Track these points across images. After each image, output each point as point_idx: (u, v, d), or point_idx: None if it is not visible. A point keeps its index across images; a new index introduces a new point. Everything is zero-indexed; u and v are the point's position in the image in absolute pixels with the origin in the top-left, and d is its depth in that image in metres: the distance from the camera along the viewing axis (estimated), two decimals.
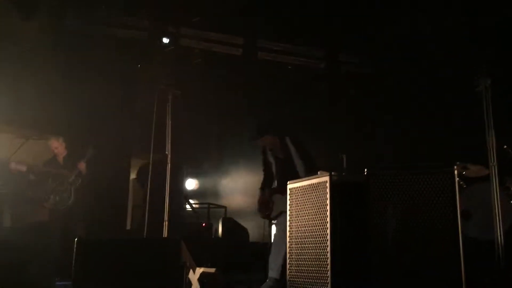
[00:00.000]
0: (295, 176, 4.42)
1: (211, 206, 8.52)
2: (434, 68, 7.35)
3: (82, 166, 6.05)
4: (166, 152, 5.21)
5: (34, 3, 6.53)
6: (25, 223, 7.34)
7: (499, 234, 3.71)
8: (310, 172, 4.34)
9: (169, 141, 5.20)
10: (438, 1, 6.48)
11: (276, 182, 5.04)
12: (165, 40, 7.61)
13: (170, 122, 5.15)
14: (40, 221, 7.24)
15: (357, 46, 8.09)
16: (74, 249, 3.70)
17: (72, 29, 7.20)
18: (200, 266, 4.12)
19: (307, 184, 3.73)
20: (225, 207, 8.62)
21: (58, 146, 6.24)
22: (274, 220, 5.10)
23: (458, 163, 5.59)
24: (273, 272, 4.67)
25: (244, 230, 7.67)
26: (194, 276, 3.99)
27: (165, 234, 5.07)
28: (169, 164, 5.15)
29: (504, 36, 6.40)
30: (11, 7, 6.39)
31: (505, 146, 5.14)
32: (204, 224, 7.47)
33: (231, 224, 7.64)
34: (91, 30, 7.34)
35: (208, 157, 9.00)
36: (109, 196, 7.05)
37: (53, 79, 6.82)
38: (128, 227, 7.77)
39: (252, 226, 7.75)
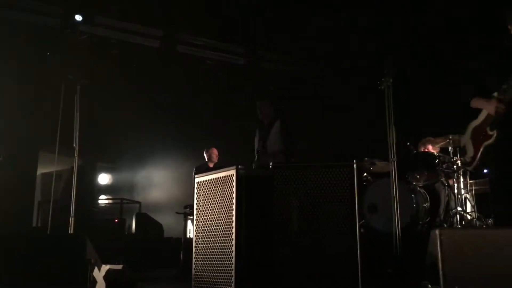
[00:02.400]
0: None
1: (124, 201, 8.29)
2: (346, 67, 7.65)
3: None
4: (74, 145, 5.01)
5: None
6: None
7: (397, 225, 3.92)
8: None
9: (77, 133, 5.01)
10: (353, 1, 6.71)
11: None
12: (78, 18, 7.20)
13: (78, 114, 4.96)
14: None
15: (277, 44, 8.20)
16: None
17: None
18: (112, 263, 3.99)
19: (214, 177, 3.73)
20: (139, 202, 8.43)
21: None
22: None
23: (366, 158, 5.86)
24: None
25: (158, 226, 7.54)
26: (99, 273, 3.86)
27: (71, 230, 4.89)
28: (77, 157, 4.96)
29: (409, 37, 6.78)
30: None
31: (408, 143, 5.44)
32: (116, 220, 7.26)
33: (145, 220, 7.48)
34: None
35: (123, 152, 8.75)
36: (15, 191, 6.67)
37: None
38: (35, 223, 7.37)
39: (167, 222, 7.66)
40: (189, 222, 6.84)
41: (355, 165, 3.58)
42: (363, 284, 3.41)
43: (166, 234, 7.56)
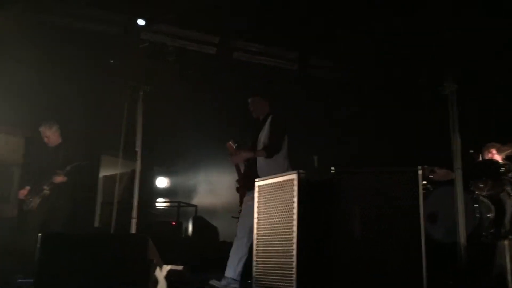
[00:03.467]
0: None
1: (181, 204, 8.47)
2: (403, 73, 7.49)
3: (60, 179, 5.73)
4: (136, 149, 5.16)
5: None
6: None
7: (462, 236, 3.79)
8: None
9: (140, 137, 5.15)
10: (410, 6, 6.57)
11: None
12: (141, 22, 7.46)
13: (141, 119, 5.10)
14: (7, 217, 7.10)
15: (329, 51, 8.16)
16: (38, 245, 3.61)
17: (41, 21, 7.05)
18: (168, 264, 4.09)
19: (275, 181, 3.75)
20: (195, 206, 8.58)
21: (49, 135, 5.87)
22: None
23: (425, 166, 5.71)
24: (230, 271, 4.55)
25: (214, 229, 7.65)
26: (161, 273, 3.95)
27: (133, 231, 5.02)
28: (139, 161, 5.10)
29: (472, 41, 6.54)
30: None
31: (471, 151, 5.26)
32: (173, 223, 7.42)
33: (201, 223, 7.61)
34: (64, 23, 7.21)
35: (180, 156, 8.94)
36: (79, 193, 6.94)
37: (20, 74, 6.68)
38: (97, 224, 7.66)
39: (222, 225, 7.75)
40: None
41: (419, 171, 3.50)
42: None
43: (221, 238, 7.66)
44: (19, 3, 6.77)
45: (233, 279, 4.51)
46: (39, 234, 3.63)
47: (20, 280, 4.69)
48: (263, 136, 4.73)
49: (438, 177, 5.54)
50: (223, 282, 4.57)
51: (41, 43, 6.83)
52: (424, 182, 5.62)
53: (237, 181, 5.05)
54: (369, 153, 7.41)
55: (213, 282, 4.58)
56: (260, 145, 4.72)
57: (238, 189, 5.00)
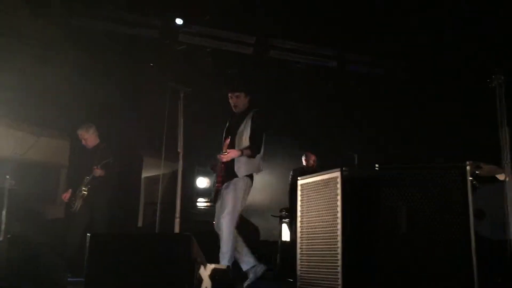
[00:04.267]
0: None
1: None
2: (447, 65, 7.30)
3: (98, 172, 5.90)
4: (178, 150, 5.23)
5: (46, 1, 6.58)
6: (40, 220, 7.44)
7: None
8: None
9: (181, 138, 5.21)
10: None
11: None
12: (179, 22, 7.56)
13: (182, 120, 5.16)
14: (56, 218, 7.34)
15: (367, 46, 8.05)
16: (87, 245, 3.71)
17: (82, 25, 7.24)
18: (211, 263, 4.12)
19: (318, 179, 3.73)
20: None
21: (87, 137, 6.06)
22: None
23: (471, 162, 5.55)
24: (250, 260, 4.65)
25: (255, 228, 7.67)
26: (205, 272, 3.99)
27: (176, 230, 5.09)
28: (181, 161, 5.16)
29: None
30: (22, 4, 6.43)
31: None
32: (214, 222, 7.45)
33: (242, 222, 7.61)
34: (101, 26, 7.38)
35: None
36: (122, 194, 7.09)
37: (64, 78, 6.88)
38: (140, 224, 7.81)
39: (262, 224, 7.77)
40: (284, 225, 6.90)
41: (467, 167, 3.40)
42: None
43: (262, 237, 7.67)
44: (61, 8, 6.98)
45: (254, 266, 4.62)
46: (88, 235, 3.72)
47: (70, 279, 4.83)
48: (245, 132, 4.68)
49: (484, 173, 5.38)
50: (252, 275, 4.65)
51: (84, 48, 7.03)
52: (470, 178, 5.48)
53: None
54: (408, 150, 7.28)
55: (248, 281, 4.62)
56: (241, 140, 4.67)
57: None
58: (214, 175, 4.91)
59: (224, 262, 4.47)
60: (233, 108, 4.87)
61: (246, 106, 4.86)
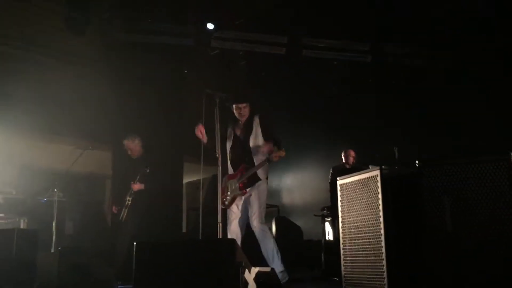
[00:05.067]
0: (249, 162, 4.83)
1: None
2: (491, 55, 7.07)
3: (136, 187, 6.12)
4: (217, 155, 5.28)
5: (85, 20, 6.79)
6: (88, 229, 7.67)
7: None
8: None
9: (219, 142, 5.26)
10: None
11: (230, 165, 5.20)
12: (210, 26, 7.64)
13: (218, 125, 5.21)
14: (103, 227, 7.56)
15: (405, 37, 7.88)
16: (134, 253, 3.80)
17: (120, 40, 7.42)
18: (255, 266, 4.14)
19: (357, 179, 3.69)
20: (277, 206, 8.63)
21: (132, 148, 6.35)
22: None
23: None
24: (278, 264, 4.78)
25: (297, 228, 7.66)
26: (250, 275, 4.01)
27: (219, 235, 5.14)
28: (220, 166, 5.21)
29: None
30: (63, 25, 6.68)
31: None
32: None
33: (285, 223, 7.64)
34: (138, 39, 7.55)
35: None
36: (165, 200, 7.22)
37: (105, 92, 7.09)
38: (184, 230, 7.93)
39: (305, 224, 7.75)
40: (327, 224, 6.85)
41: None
42: None
43: (305, 237, 7.65)
44: (100, 25, 7.20)
45: (282, 271, 4.78)
46: (134, 243, 3.81)
47: (120, 287, 4.96)
48: (258, 134, 5.03)
49: None
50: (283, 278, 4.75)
51: (122, 61, 7.22)
52: None
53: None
54: (449, 142, 7.09)
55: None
56: (257, 141, 5.01)
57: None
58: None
59: (275, 256, 4.81)
60: (239, 118, 5.18)
61: (249, 114, 5.20)
